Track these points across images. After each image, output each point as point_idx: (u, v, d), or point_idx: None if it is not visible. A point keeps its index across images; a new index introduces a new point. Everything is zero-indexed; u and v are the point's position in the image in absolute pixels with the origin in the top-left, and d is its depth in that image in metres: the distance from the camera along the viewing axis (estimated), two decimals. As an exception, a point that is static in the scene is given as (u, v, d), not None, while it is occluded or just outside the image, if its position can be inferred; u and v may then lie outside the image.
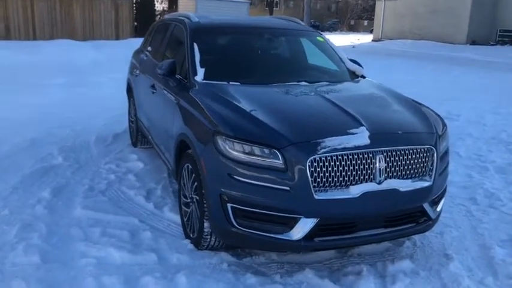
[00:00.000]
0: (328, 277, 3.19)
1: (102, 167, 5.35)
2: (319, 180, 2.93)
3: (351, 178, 2.99)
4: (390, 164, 3.08)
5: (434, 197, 3.34)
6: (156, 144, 4.84)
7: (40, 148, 5.91)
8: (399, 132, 3.23)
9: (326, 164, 2.93)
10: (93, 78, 12.17)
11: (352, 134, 3.04)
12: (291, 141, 2.95)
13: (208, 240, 3.37)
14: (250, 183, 2.97)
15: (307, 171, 2.89)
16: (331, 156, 2.94)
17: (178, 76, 4.12)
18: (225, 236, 3.19)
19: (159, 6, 25.13)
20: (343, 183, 2.98)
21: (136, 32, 20.00)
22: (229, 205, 3.05)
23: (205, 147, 3.20)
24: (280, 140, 2.97)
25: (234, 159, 3.01)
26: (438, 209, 3.49)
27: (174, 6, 23.07)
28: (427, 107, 3.83)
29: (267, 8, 58.02)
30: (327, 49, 4.70)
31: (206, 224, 3.29)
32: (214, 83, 3.80)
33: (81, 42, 17.05)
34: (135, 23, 20.71)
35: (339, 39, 35.76)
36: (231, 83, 3.84)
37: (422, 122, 3.44)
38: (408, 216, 3.28)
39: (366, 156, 3.01)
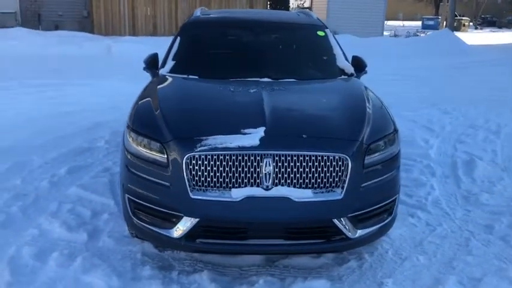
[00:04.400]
0: (220, 283, 3.03)
1: (133, 152, 5.77)
2: (197, 179, 2.81)
3: (233, 180, 2.79)
4: (283, 170, 2.78)
5: (353, 214, 2.91)
6: None
7: (96, 131, 6.59)
8: (303, 136, 2.88)
9: (205, 162, 2.79)
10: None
11: (245, 134, 2.83)
12: (173, 136, 2.88)
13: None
14: (140, 176, 2.99)
15: (184, 168, 2.79)
16: (211, 155, 2.78)
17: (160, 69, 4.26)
18: (131, 227, 3.24)
19: (294, 2, 25.41)
20: (224, 185, 2.80)
21: (270, 29, 20.56)
22: (126, 196, 3.11)
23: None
24: (165, 134, 2.92)
25: (130, 151, 3.06)
26: (369, 228, 3.02)
27: (311, 2, 23.09)
28: (384, 112, 3.33)
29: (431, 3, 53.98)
30: (325, 44, 4.36)
31: None
32: (172, 76, 3.87)
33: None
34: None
35: (505, 37, 31.70)
36: (190, 76, 3.86)
37: (348, 128, 3.02)
38: (317, 231, 2.92)
39: (252, 158, 2.77)
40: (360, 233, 2.97)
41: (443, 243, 3.67)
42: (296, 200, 2.78)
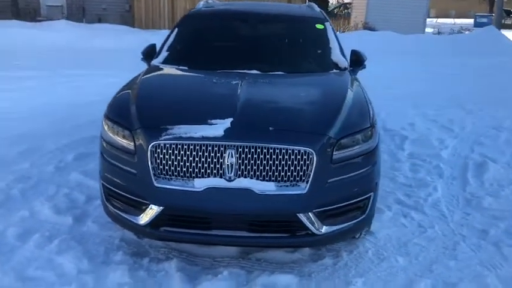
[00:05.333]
0: (186, 272, 3.05)
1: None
2: (161, 167, 2.83)
3: (196, 170, 2.79)
4: (246, 162, 2.76)
5: (319, 209, 2.86)
6: None
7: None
8: (270, 128, 2.84)
9: (170, 151, 2.81)
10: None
11: (211, 124, 2.83)
12: (141, 125, 2.92)
13: None
14: (112, 164, 3.05)
15: (148, 156, 2.83)
16: (176, 144, 2.80)
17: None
18: (107, 214, 3.31)
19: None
20: (187, 175, 2.81)
21: (308, 24, 20.32)
22: (101, 183, 3.18)
23: None
24: (134, 122, 2.96)
25: (105, 139, 3.14)
26: (337, 225, 2.96)
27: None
28: (363, 107, 3.24)
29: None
30: (321, 38, 4.28)
31: None
32: (161, 66, 3.92)
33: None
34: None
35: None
36: (180, 67, 3.89)
37: (317, 122, 2.96)
38: (281, 225, 2.89)
39: (216, 149, 2.77)
40: (326, 229, 2.90)
41: (429, 246, 3.54)
42: (258, 192, 2.75)
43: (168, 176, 2.84)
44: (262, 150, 2.76)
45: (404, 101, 8.34)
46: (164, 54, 4.08)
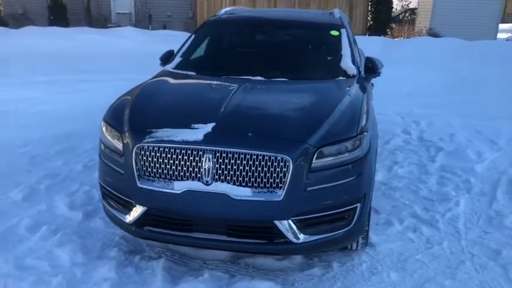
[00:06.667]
0: (171, 272, 3.14)
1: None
2: (144, 169, 2.93)
3: (176, 173, 2.86)
4: (223, 166, 2.79)
5: (298, 218, 2.82)
6: None
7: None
8: (249, 134, 2.84)
9: (152, 154, 2.90)
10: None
11: (193, 128, 2.89)
12: (129, 127, 3.04)
13: None
14: (106, 164, 3.20)
15: (133, 157, 2.93)
16: (158, 147, 2.88)
17: None
18: (104, 211, 3.45)
19: (398, 3, 24.08)
20: (168, 177, 2.88)
21: (370, 30, 19.94)
22: (99, 182, 3.34)
23: None
24: (124, 125, 3.09)
25: (102, 140, 3.31)
26: (318, 235, 2.90)
27: (418, 3, 21.74)
28: (354, 116, 3.14)
29: None
30: (333, 45, 4.21)
31: None
32: (171, 72, 4.04)
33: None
34: (370, 21, 20.63)
35: None
36: (189, 73, 4.00)
37: (298, 130, 2.92)
38: (258, 231, 2.88)
39: (194, 153, 2.82)
40: (306, 238, 2.85)
41: (430, 263, 3.37)
42: (234, 197, 2.77)
43: (151, 178, 2.93)
44: (239, 156, 2.78)
45: (452, 110, 7.97)
46: (177, 60, 4.21)
